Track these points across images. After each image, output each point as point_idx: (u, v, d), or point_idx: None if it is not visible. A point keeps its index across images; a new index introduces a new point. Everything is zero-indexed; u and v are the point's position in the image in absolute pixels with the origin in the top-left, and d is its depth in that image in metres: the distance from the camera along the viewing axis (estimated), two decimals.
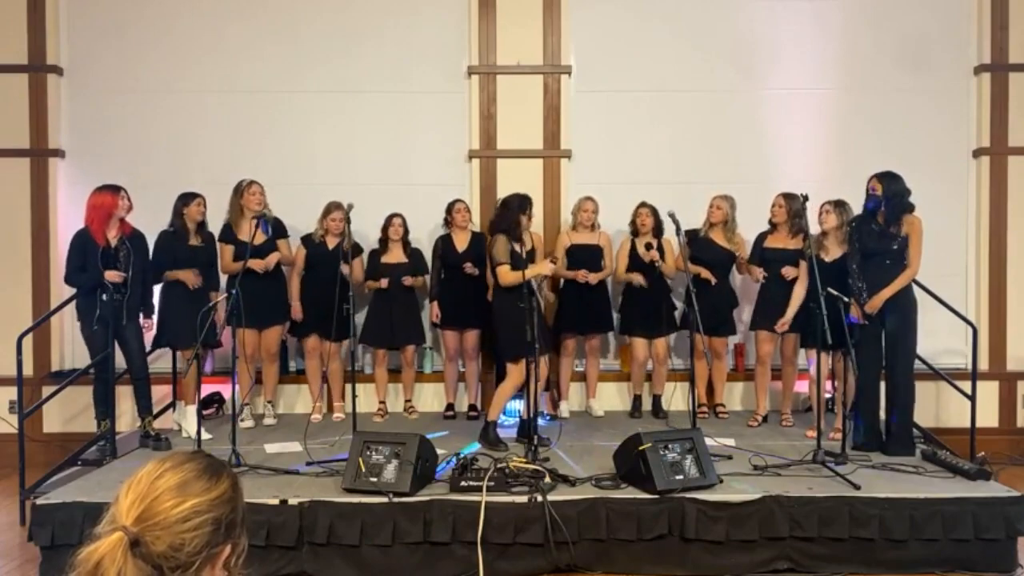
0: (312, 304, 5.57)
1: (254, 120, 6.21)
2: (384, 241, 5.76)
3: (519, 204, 5.02)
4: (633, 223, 5.74)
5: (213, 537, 1.22)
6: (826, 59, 6.27)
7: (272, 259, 5.44)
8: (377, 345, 5.77)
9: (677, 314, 5.85)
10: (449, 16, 6.23)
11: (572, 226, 5.89)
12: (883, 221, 4.82)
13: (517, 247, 4.96)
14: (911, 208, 4.82)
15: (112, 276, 4.90)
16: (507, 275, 4.86)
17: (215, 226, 5.51)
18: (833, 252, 5.08)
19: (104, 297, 4.89)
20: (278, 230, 5.58)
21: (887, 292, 4.73)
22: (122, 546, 1.14)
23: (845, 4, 6.27)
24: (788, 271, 5.31)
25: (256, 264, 5.29)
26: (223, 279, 5.57)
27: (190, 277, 5.22)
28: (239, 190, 5.50)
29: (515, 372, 4.90)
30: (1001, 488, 4.03)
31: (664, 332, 5.74)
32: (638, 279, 5.63)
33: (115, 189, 5.02)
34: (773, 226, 5.55)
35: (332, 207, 5.58)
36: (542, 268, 4.95)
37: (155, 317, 5.27)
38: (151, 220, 5.34)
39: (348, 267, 5.28)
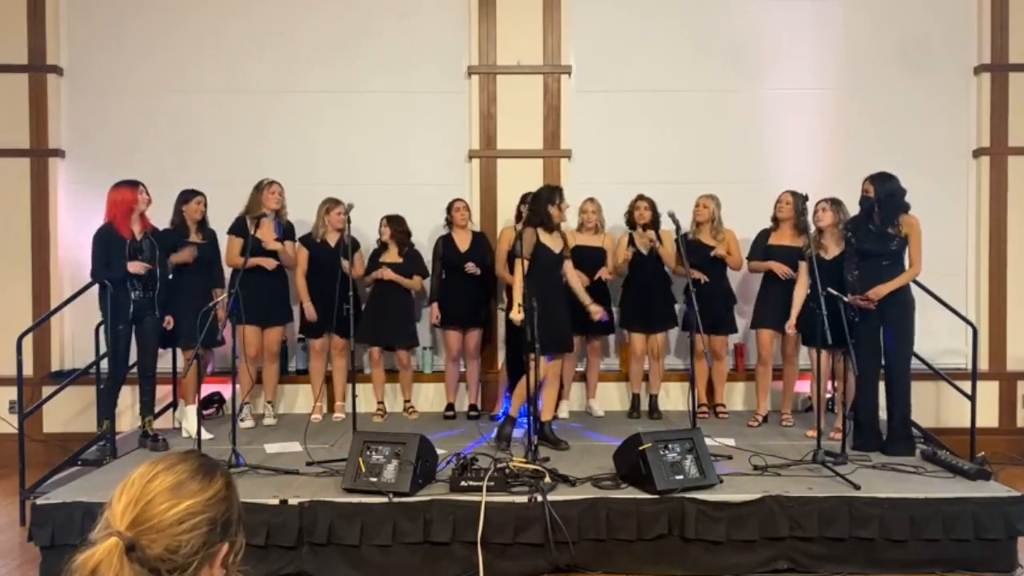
0: (320, 303, 5.54)
1: (255, 120, 6.21)
2: (385, 243, 5.75)
3: (547, 196, 4.99)
4: (630, 215, 5.72)
5: (209, 537, 1.21)
6: (826, 59, 6.27)
7: (271, 260, 5.43)
8: (369, 343, 5.75)
9: (677, 311, 5.85)
10: (449, 16, 6.23)
11: (576, 227, 5.88)
12: (879, 222, 4.82)
13: (550, 242, 4.92)
14: (906, 208, 4.82)
15: (135, 267, 4.88)
16: (519, 273, 4.80)
17: (216, 224, 5.50)
18: (831, 250, 5.08)
19: (134, 295, 4.89)
20: (288, 233, 5.62)
21: (893, 285, 4.73)
22: (118, 551, 1.13)
23: (845, 4, 6.27)
24: (788, 271, 5.31)
25: (267, 262, 5.32)
26: (227, 271, 5.54)
27: (188, 254, 5.21)
28: (260, 188, 5.51)
29: (546, 370, 4.85)
30: (1001, 488, 4.03)
31: (662, 327, 5.74)
32: (632, 252, 5.60)
33: (134, 184, 5.01)
34: (776, 222, 5.55)
35: (332, 203, 5.58)
36: (514, 312, 4.80)
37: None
38: (153, 220, 5.33)
39: (348, 262, 5.27)
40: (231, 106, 6.21)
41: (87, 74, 6.20)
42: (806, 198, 4.77)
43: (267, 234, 5.41)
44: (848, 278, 4.84)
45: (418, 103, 6.25)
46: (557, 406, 5.85)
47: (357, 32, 6.24)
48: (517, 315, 4.70)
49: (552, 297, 4.83)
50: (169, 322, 5.17)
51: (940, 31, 6.25)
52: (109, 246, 4.90)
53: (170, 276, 5.21)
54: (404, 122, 6.24)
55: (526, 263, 4.78)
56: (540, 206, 4.95)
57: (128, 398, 5.62)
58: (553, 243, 4.94)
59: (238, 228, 5.48)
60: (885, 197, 4.76)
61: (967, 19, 6.25)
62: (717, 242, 5.62)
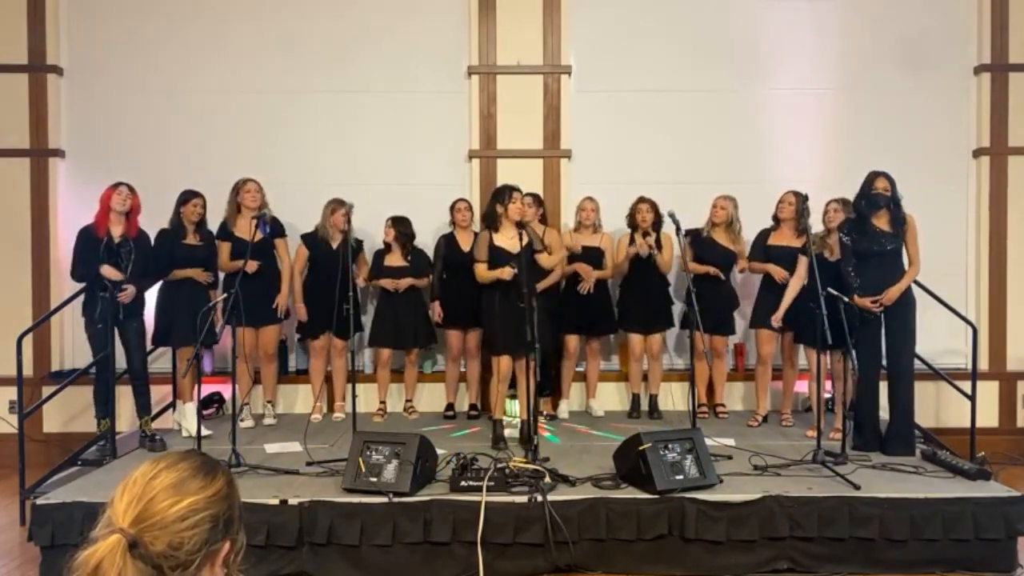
0: (321, 303, 5.52)
1: (255, 120, 6.21)
2: (389, 244, 5.75)
3: (497, 196, 5.06)
4: (631, 217, 5.71)
5: (211, 535, 1.22)
6: (826, 59, 6.27)
7: (253, 262, 5.22)
8: (385, 346, 5.75)
9: (676, 312, 5.85)
10: (449, 16, 6.24)
11: (574, 226, 5.88)
12: (888, 221, 4.83)
13: (506, 243, 4.91)
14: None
15: (107, 272, 4.88)
16: (479, 272, 4.99)
17: (216, 225, 5.51)
18: (837, 251, 5.07)
19: (107, 295, 4.88)
20: (275, 229, 5.58)
21: (902, 286, 4.74)
22: (121, 548, 1.14)
23: (845, 4, 6.28)
24: (786, 275, 5.31)
25: (250, 265, 5.25)
26: (220, 276, 5.55)
27: (199, 274, 5.26)
28: (236, 188, 5.52)
29: (495, 367, 5.05)
30: (1001, 488, 4.03)
31: (660, 328, 5.75)
32: (635, 250, 5.56)
33: (115, 184, 5.04)
34: (777, 222, 5.55)
35: (338, 204, 5.56)
36: (500, 273, 4.87)
37: (146, 316, 5.24)
38: (152, 220, 5.34)
39: (354, 267, 5.26)
40: (231, 106, 6.21)
41: (87, 74, 6.20)
42: (806, 198, 4.77)
43: (246, 232, 5.26)
44: (850, 280, 4.83)
45: (418, 103, 6.25)
46: (557, 406, 5.87)
47: (357, 32, 6.24)
48: (508, 272, 4.81)
49: (516, 297, 4.76)
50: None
51: (940, 31, 6.25)
52: (85, 246, 4.95)
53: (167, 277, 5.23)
54: (404, 122, 6.24)
55: (482, 265, 4.96)
56: (491, 207, 5.04)
57: (128, 399, 5.61)
58: (510, 243, 4.88)
59: (224, 233, 5.50)
60: (900, 199, 4.79)
61: (967, 19, 6.25)
62: (735, 245, 5.63)
